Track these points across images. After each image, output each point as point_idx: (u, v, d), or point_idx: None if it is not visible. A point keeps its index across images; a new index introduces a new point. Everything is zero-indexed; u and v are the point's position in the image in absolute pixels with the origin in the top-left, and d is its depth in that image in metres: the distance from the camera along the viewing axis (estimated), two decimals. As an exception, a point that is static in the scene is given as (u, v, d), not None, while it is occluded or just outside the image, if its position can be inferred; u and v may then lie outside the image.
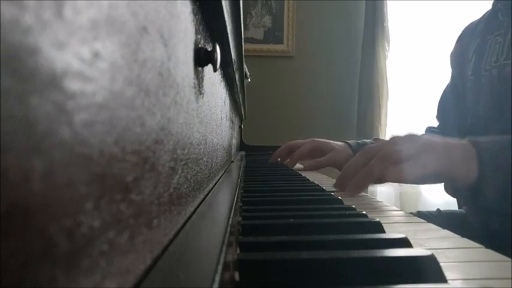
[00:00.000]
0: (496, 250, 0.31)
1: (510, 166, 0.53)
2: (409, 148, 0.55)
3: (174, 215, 0.24)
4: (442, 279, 0.23)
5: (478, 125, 0.84)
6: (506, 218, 0.62)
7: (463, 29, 1.02)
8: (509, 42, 0.78)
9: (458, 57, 0.97)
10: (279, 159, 1.16)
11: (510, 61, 0.76)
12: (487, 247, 0.32)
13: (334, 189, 0.63)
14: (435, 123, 1.10)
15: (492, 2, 0.90)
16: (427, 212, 0.98)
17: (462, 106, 0.92)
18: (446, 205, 1.06)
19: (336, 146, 1.04)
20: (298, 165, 1.15)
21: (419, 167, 0.54)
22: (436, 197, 1.90)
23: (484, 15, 0.94)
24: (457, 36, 1.02)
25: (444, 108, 1.05)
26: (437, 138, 0.58)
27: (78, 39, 0.12)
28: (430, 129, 1.09)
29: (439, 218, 0.93)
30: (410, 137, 0.57)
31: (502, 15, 0.82)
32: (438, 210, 1.00)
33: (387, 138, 0.87)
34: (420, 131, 1.27)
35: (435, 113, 1.09)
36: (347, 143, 1.06)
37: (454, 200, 1.12)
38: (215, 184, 0.49)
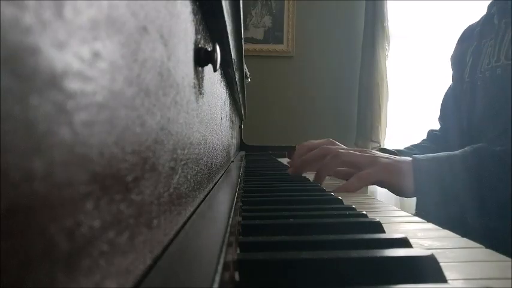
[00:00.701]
0: (496, 250, 0.31)
1: (446, 181, 0.63)
2: (360, 155, 0.67)
3: (174, 215, 0.24)
4: (442, 279, 0.23)
5: (474, 127, 0.86)
6: (506, 219, 0.63)
7: (462, 31, 1.02)
8: (500, 44, 0.80)
9: (458, 60, 0.98)
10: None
11: (500, 63, 0.78)
12: (487, 247, 0.32)
13: (334, 190, 0.64)
14: (437, 125, 1.10)
15: (487, 5, 0.91)
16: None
17: (460, 109, 0.94)
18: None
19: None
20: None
21: (366, 175, 0.65)
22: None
23: (482, 17, 0.95)
24: (457, 39, 1.03)
25: (445, 110, 1.05)
26: (387, 156, 0.69)
27: (78, 39, 0.12)
28: (431, 133, 1.09)
29: (441, 219, 0.93)
30: (363, 150, 0.71)
31: (497, 18, 0.83)
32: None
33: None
34: (420, 131, 1.27)
35: (438, 114, 1.09)
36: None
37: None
38: (215, 184, 0.49)
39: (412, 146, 1.10)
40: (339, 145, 0.80)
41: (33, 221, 0.10)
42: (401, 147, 1.07)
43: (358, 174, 0.66)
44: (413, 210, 1.14)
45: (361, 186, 0.66)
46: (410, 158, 0.67)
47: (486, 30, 0.87)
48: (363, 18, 2.25)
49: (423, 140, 1.11)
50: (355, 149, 0.73)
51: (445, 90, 1.07)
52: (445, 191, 0.62)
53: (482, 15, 0.95)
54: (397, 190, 0.67)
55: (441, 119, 1.08)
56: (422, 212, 0.85)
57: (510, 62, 0.75)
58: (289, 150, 1.10)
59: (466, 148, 0.67)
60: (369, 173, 0.65)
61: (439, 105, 1.09)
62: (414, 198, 0.69)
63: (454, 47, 1.04)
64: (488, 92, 0.82)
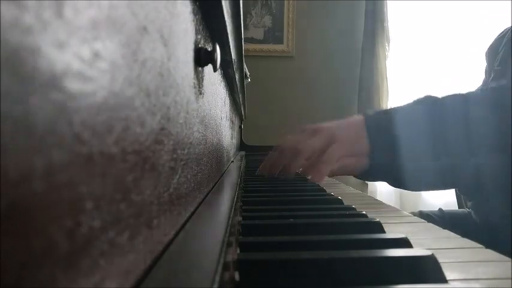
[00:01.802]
0: (499, 249, 0.31)
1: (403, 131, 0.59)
2: (317, 139, 0.62)
3: (174, 215, 0.24)
4: (442, 279, 0.23)
5: None
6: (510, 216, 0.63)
7: (505, 28, 1.00)
8: None
9: (493, 52, 0.96)
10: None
11: None
12: (491, 246, 0.32)
13: (334, 190, 0.64)
14: None
15: None
16: (429, 211, 0.97)
17: None
18: (446, 205, 1.06)
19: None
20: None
21: (332, 156, 0.61)
22: (436, 197, 1.90)
23: None
24: (499, 33, 1.01)
25: None
26: (338, 123, 0.65)
27: (78, 39, 0.12)
28: None
29: (442, 218, 0.93)
30: (317, 129, 0.64)
31: None
32: (440, 210, 0.99)
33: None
34: None
35: None
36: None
37: (454, 200, 1.12)
38: (215, 184, 0.49)
39: None
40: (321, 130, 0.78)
41: (33, 221, 0.10)
42: None
43: (321, 158, 0.61)
44: (413, 210, 1.14)
45: (328, 170, 0.61)
46: (360, 116, 0.64)
47: None
48: (363, 18, 2.25)
49: None
50: (306, 129, 0.67)
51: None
52: (397, 147, 0.59)
53: None
54: (361, 154, 0.62)
55: None
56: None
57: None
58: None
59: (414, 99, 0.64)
60: (330, 153, 0.61)
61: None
62: (419, 196, 0.66)
63: (491, 43, 1.01)
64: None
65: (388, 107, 2.20)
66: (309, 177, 0.64)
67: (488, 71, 0.98)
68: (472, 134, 0.57)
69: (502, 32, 0.99)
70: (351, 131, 0.62)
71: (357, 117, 0.64)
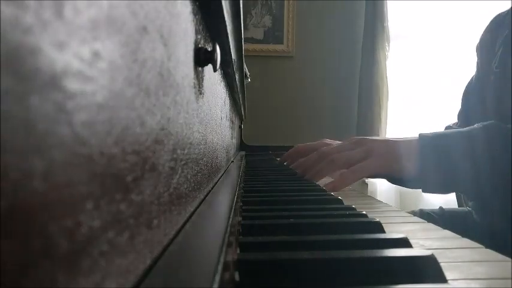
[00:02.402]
0: (501, 249, 0.31)
1: (453, 158, 0.60)
2: (355, 152, 0.65)
3: (174, 215, 0.24)
4: (442, 279, 0.23)
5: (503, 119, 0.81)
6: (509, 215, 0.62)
7: (491, 20, 0.97)
8: None
9: (486, 49, 0.93)
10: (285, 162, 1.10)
11: None
12: (491, 246, 0.32)
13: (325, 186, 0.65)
14: (437, 125, 1.07)
15: None
16: (430, 210, 0.97)
17: (485, 101, 0.89)
18: (447, 204, 1.06)
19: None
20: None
21: (360, 168, 0.63)
22: (437, 196, 1.90)
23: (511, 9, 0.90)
24: (485, 27, 0.97)
25: (468, 103, 0.99)
26: (384, 139, 0.67)
27: (78, 39, 0.12)
28: (449, 128, 1.05)
29: (442, 217, 0.92)
30: (360, 141, 0.68)
31: None
32: (441, 208, 0.99)
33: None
34: (420, 131, 1.25)
35: (438, 114, 1.05)
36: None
37: (454, 199, 1.12)
38: (215, 184, 0.49)
39: None
40: (333, 143, 0.79)
41: (33, 221, 0.10)
42: None
43: (352, 168, 0.63)
44: (414, 209, 1.14)
45: (354, 180, 0.63)
46: (414, 137, 0.64)
47: None
48: (363, 18, 2.25)
49: None
50: (352, 139, 0.70)
51: (466, 85, 1.01)
52: (452, 169, 0.60)
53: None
54: (398, 173, 0.63)
55: (462, 114, 1.01)
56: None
57: None
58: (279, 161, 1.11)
59: (474, 125, 0.64)
60: (362, 166, 0.63)
61: (439, 105, 1.07)
62: (419, 195, 0.67)
63: (480, 36, 0.98)
64: (504, 90, 0.78)
65: (392, 118, 2.19)
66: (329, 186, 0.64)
67: (480, 66, 0.95)
68: None
69: (488, 25, 0.96)
70: (398, 150, 0.63)
71: (410, 138, 0.65)
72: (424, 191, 0.65)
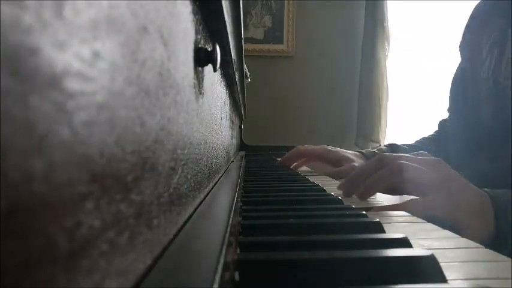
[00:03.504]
0: (497, 250, 0.31)
1: None
2: (429, 176, 0.52)
3: (174, 215, 0.24)
4: (442, 279, 0.23)
5: (499, 136, 0.74)
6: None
7: (470, 15, 0.90)
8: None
9: (468, 50, 0.87)
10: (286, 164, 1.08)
11: None
12: (487, 246, 0.32)
13: (334, 190, 0.63)
14: (435, 125, 1.08)
15: None
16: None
17: (476, 109, 0.83)
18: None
19: (350, 156, 0.97)
20: (305, 168, 1.11)
21: (430, 204, 0.50)
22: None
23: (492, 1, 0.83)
24: (465, 24, 0.91)
25: (454, 102, 0.95)
26: (456, 177, 0.53)
27: (78, 39, 0.12)
28: (442, 123, 1.03)
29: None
30: (428, 162, 0.54)
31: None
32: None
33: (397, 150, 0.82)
34: (420, 130, 1.24)
35: (436, 114, 1.04)
36: (361, 152, 1.00)
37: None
38: (215, 184, 0.49)
39: (423, 138, 1.05)
40: (337, 153, 0.73)
41: (33, 221, 0.10)
42: (411, 142, 1.04)
43: (421, 200, 0.51)
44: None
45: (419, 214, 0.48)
46: (483, 192, 0.52)
47: (501, 22, 0.76)
48: (363, 18, 2.25)
49: (435, 132, 1.06)
50: (422, 155, 0.57)
51: (452, 80, 0.96)
52: None
53: None
54: (464, 229, 0.48)
55: (451, 109, 0.98)
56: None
57: None
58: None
59: None
60: (433, 201, 0.50)
61: (439, 105, 1.07)
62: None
63: (462, 33, 0.92)
64: (503, 102, 0.72)
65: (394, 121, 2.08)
66: None
67: (468, 73, 0.88)
68: None
69: (470, 20, 0.89)
70: (470, 201, 0.51)
71: (482, 194, 0.52)
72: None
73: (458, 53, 0.94)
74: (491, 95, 0.77)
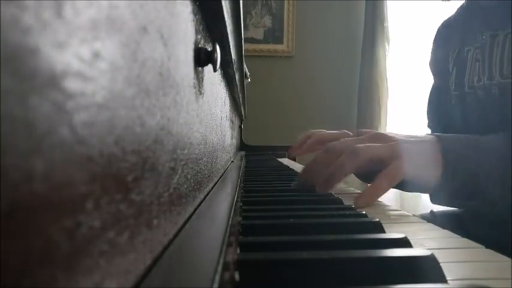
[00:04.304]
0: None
1: (473, 164, 0.53)
2: (382, 147, 0.53)
3: (174, 215, 0.24)
4: (442, 279, 0.23)
5: None
6: (505, 220, 0.62)
7: (437, 30, 0.92)
8: (489, 60, 0.72)
9: (440, 66, 0.89)
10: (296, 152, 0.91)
11: (496, 81, 0.70)
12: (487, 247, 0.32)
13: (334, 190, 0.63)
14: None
15: (461, 5, 0.82)
16: (420, 215, 0.96)
17: (451, 122, 0.85)
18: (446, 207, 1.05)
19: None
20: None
21: (395, 171, 0.51)
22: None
23: (458, 14, 0.86)
24: (433, 40, 0.93)
25: (433, 119, 0.96)
26: (407, 137, 0.56)
27: (78, 39, 0.12)
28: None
29: (433, 221, 0.91)
30: (377, 135, 0.56)
31: (479, 29, 0.75)
32: (432, 212, 0.98)
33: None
34: (420, 130, 1.24)
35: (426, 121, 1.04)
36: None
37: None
38: (215, 184, 0.49)
39: None
40: (385, 138, 0.68)
41: (33, 221, 0.10)
42: None
43: (385, 171, 0.51)
44: (413, 212, 1.13)
45: (390, 186, 0.51)
46: (431, 136, 0.55)
47: (468, 37, 0.79)
48: (363, 18, 2.25)
49: None
50: (368, 132, 0.59)
51: (428, 98, 0.96)
52: (477, 178, 0.52)
53: (458, 9, 0.86)
54: (422, 179, 0.53)
55: (431, 126, 0.99)
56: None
57: (510, 80, 0.67)
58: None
59: (491, 135, 0.57)
60: (395, 168, 0.50)
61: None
62: (418, 197, 0.62)
63: (431, 51, 0.93)
64: (483, 111, 0.74)
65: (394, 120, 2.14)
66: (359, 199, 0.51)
67: (442, 88, 0.89)
68: None
69: (437, 36, 0.91)
70: (422, 152, 0.54)
71: (430, 138, 0.56)
72: (434, 202, 0.58)
73: (430, 71, 0.96)
74: (461, 108, 0.80)
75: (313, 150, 0.84)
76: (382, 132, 0.58)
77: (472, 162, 0.53)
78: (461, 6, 0.86)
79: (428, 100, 0.98)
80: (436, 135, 0.56)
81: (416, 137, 0.57)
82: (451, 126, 0.84)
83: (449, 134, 0.57)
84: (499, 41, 0.70)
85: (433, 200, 0.61)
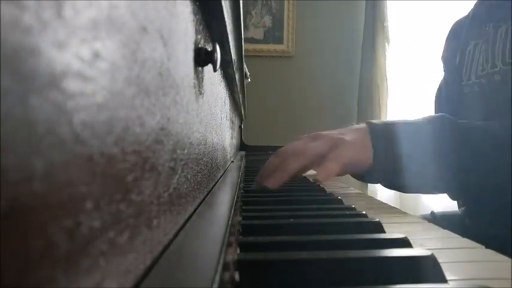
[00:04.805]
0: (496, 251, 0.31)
1: (404, 148, 0.60)
2: (320, 144, 0.61)
3: (174, 215, 0.24)
4: (442, 279, 0.23)
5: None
6: (505, 221, 0.62)
7: (450, 28, 0.98)
8: (492, 49, 0.77)
9: (448, 60, 0.94)
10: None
11: (498, 69, 0.75)
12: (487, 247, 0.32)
13: (334, 190, 0.64)
14: None
15: (475, 3, 0.88)
16: (421, 216, 0.96)
17: (460, 114, 0.88)
18: (446, 207, 1.05)
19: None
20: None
21: (338, 157, 0.59)
22: (436, 199, 1.90)
23: (469, 14, 0.91)
24: (446, 37, 0.99)
25: (439, 111, 1.00)
26: (347, 129, 0.65)
27: (78, 39, 0.12)
28: None
29: (434, 222, 0.91)
30: (317, 135, 0.64)
31: (485, 21, 0.80)
32: (432, 213, 0.99)
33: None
34: None
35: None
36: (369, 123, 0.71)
37: (454, 202, 1.12)
38: (215, 184, 0.49)
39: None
40: (324, 136, 0.73)
41: (33, 221, 0.10)
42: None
43: (326, 158, 0.59)
44: (413, 213, 1.13)
45: (337, 169, 0.59)
46: (363, 125, 0.64)
47: (474, 31, 0.84)
48: (363, 18, 2.25)
49: None
50: (306, 136, 0.66)
51: (436, 92, 1.01)
52: (402, 158, 0.60)
53: (470, 10, 0.91)
54: (360, 164, 0.62)
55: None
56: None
57: (510, 67, 0.72)
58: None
59: (426, 116, 0.65)
60: (336, 154, 0.59)
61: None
62: (418, 198, 0.67)
63: (443, 46, 0.99)
64: (487, 100, 0.78)
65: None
66: (316, 178, 0.60)
67: (451, 81, 0.94)
68: (483, 165, 0.60)
69: (449, 34, 0.96)
70: (355, 137, 0.62)
71: (360, 125, 0.65)
72: (366, 180, 0.66)
73: (442, 65, 0.99)
74: (471, 99, 0.84)
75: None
76: (319, 132, 0.66)
77: (402, 144, 0.61)
78: (474, 5, 0.89)
79: (436, 94, 1.01)
80: (367, 122, 0.64)
81: (350, 128, 0.66)
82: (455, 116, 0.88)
83: (379, 120, 0.66)
84: (502, 32, 0.75)
85: (366, 179, 0.67)
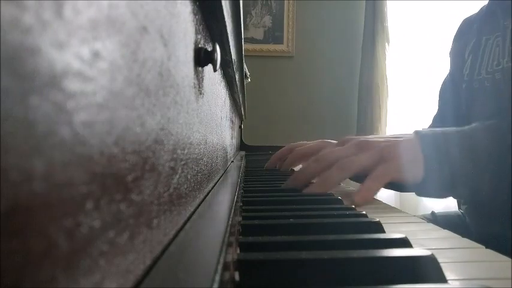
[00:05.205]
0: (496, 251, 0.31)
1: (455, 157, 0.55)
2: (366, 157, 0.56)
3: (174, 215, 0.24)
4: (442, 279, 0.23)
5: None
6: (506, 221, 0.62)
7: (459, 25, 0.99)
8: (503, 45, 0.76)
9: (456, 56, 0.95)
10: (277, 165, 0.94)
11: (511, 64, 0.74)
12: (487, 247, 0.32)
13: (334, 190, 0.63)
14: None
15: (488, 0, 0.88)
16: (421, 216, 0.96)
17: (467, 109, 0.89)
18: (447, 207, 1.06)
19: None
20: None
21: (384, 175, 0.54)
22: (436, 199, 1.90)
23: (481, 11, 0.91)
24: (455, 33, 0.99)
25: (444, 106, 1.00)
26: (389, 140, 0.59)
27: (78, 39, 0.12)
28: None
29: (434, 222, 0.91)
30: (365, 144, 0.58)
31: (500, 18, 0.80)
32: (433, 213, 0.99)
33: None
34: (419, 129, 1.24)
35: (435, 112, 1.06)
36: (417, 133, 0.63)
37: (455, 202, 1.12)
38: (215, 184, 0.49)
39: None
40: (332, 144, 0.69)
41: (33, 221, 0.10)
42: None
43: (372, 176, 0.54)
44: (414, 210, 1.13)
45: (379, 188, 0.54)
46: (410, 134, 0.58)
47: (487, 26, 0.84)
48: (363, 18, 2.25)
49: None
50: (350, 141, 0.61)
51: (441, 86, 1.01)
52: (452, 172, 0.55)
53: (481, 8, 0.92)
54: (408, 177, 0.56)
55: (438, 116, 1.01)
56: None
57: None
58: (267, 165, 1.02)
59: (472, 125, 0.59)
60: (382, 172, 0.54)
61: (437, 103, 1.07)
62: (418, 198, 0.63)
63: (452, 42, 1.00)
64: (500, 93, 0.77)
65: (389, 118, 2.18)
66: (352, 199, 0.53)
67: (453, 72, 0.94)
68: None
69: (458, 31, 0.97)
70: (405, 148, 0.56)
71: (410, 137, 0.58)
72: (419, 194, 0.60)
73: (449, 61, 1.00)
74: (469, 94, 0.84)
75: (295, 165, 0.88)
76: (364, 139, 0.60)
77: (456, 152, 0.55)
78: (484, 6, 0.91)
79: (441, 89, 1.01)
80: (415, 132, 0.58)
81: (397, 137, 0.59)
82: (461, 112, 0.88)
83: (427, 129, 0.60)
84: None
85: (420, 193, 0.61)
